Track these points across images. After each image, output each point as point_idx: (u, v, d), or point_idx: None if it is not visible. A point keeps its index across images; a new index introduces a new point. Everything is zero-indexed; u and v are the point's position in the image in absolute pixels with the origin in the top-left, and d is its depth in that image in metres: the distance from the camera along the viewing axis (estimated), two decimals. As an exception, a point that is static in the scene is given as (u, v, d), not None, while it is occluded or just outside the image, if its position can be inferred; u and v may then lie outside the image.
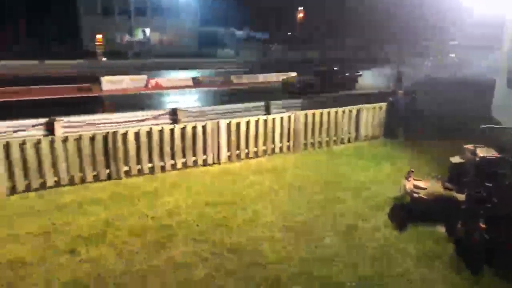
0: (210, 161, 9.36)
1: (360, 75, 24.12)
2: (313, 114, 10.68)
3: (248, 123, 9.77)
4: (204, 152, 9.31)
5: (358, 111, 11.41)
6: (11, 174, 7.49)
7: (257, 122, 9.88)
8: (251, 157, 9.84)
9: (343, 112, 11.17)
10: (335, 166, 9.32)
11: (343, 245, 5.88)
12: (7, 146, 7.46)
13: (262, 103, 13.67)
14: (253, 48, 46.57)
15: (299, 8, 58.39)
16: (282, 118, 10.23)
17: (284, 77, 24.83)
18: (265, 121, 10.01)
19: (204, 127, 9.26)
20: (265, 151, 10.06)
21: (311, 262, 5.44)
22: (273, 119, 10.15)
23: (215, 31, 55.78)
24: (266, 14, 58.07)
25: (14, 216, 6.62)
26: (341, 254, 5.65)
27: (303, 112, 10.71)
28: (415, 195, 6.66)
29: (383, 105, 11.93)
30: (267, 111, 13.11)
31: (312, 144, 10.75)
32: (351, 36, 53.58)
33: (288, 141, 10.39)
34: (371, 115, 11.67)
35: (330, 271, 5.27)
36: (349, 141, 11.38)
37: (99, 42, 32.87)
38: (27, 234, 6.01)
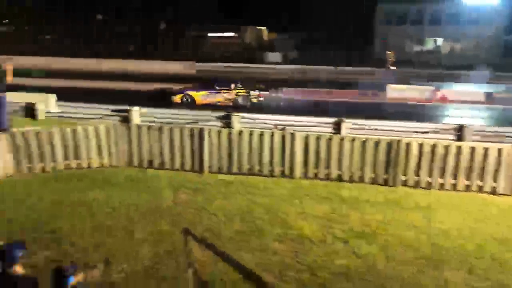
0: (501, 190, 8.13)
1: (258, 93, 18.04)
2: None
3: None
4: (495, 179, 8.18)
5: None
6: (305, 162, 8.81)
7: None
8: None
9: None
10: None
11: None
12: (306, 139, 8.82)
13: None
14: None
15: None
16: None
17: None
18: None
19: (500, 150, 8.12)
20: None
21: None
22: None
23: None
24: None
25: (306, 197, 7.80)
26: None
27: None
28: None
29: None
30: None
31: None
32: None
33: None
34: None
35: None
36: None
37: (390, 50, 33.79)
38: (313, 216, 6.97)
